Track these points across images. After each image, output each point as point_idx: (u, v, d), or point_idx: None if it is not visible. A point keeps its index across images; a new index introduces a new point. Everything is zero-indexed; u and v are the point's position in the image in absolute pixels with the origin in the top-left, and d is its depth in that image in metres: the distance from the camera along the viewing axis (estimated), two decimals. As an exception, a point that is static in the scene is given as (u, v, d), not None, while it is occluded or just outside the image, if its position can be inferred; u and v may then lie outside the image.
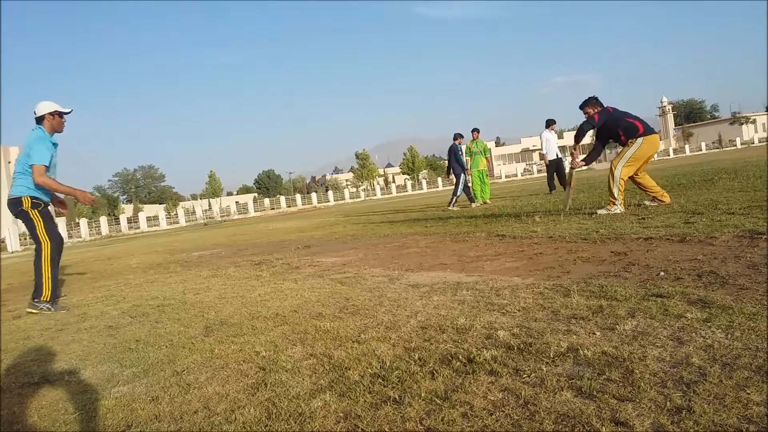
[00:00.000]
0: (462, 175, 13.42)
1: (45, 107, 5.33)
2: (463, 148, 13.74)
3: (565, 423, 1.64)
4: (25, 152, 5.25)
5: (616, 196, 7.01)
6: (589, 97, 7.53)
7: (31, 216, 5.29)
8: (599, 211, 7.03)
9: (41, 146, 5.18)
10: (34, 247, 5.31)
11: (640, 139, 7.05)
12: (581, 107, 7.54)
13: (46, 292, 5.10)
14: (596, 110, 7.35)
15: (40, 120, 5.34)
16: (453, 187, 13.87)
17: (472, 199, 13.56)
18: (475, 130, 14.27)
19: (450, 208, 13.20)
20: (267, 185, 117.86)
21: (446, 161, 14.40)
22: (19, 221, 5.30)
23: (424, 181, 74.34)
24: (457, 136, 13.52)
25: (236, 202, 65.80)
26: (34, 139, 5.22)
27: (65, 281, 7.73)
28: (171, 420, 2.09)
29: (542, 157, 14.90)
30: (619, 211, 6.90)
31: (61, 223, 44.22)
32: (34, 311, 5.07)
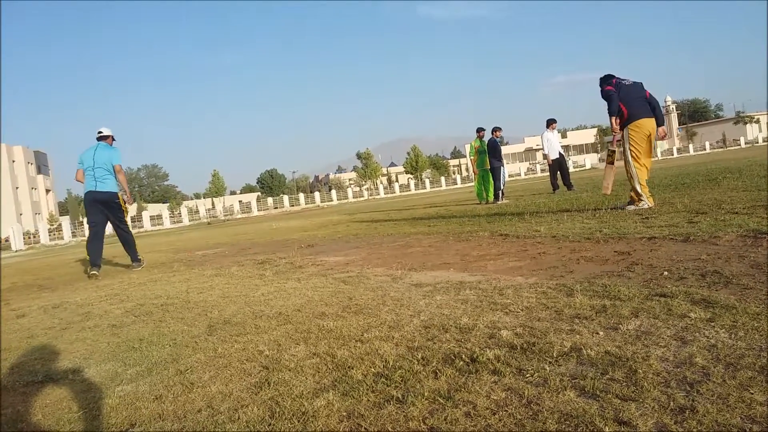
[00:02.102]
0: (501, 167, 13.60)
1: (108, 131, 7.90)
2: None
3: (568, 422, 1.64)
4: (107, 158, 7.57)
5: (639, 192, 6.98)
6: (606, 75, 7.47)
7: (125, 209, 7.78)
8: (628, 207, 7.00)
9: (119, 154, 7.73)
10: (118, 232, 7.89)
11: (625, 131, 7.11)
12: (601, 86, 7.49)
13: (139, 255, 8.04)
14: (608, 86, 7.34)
15: (104, 138, 7.80)
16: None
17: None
18: (481, 130, 14.32)
19: (499, 201, 13.18)
20: (270, 184, 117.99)
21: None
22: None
23: (427, 181, 74.32)
24: (496, 129, 13.73)
25: (239, 201, 65.82)
26: (112, 149, 7.73)
27: (69, 279, 7.76)
28: (174, 419, 2.09)
29: (545, 157, 14.88)
30: (647, 206, 6.87)
31: (65, 222, 44.36)
32: (139, 268, 7.77)
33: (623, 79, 7.33)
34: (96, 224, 7.61)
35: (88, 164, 7.55)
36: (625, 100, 7.11)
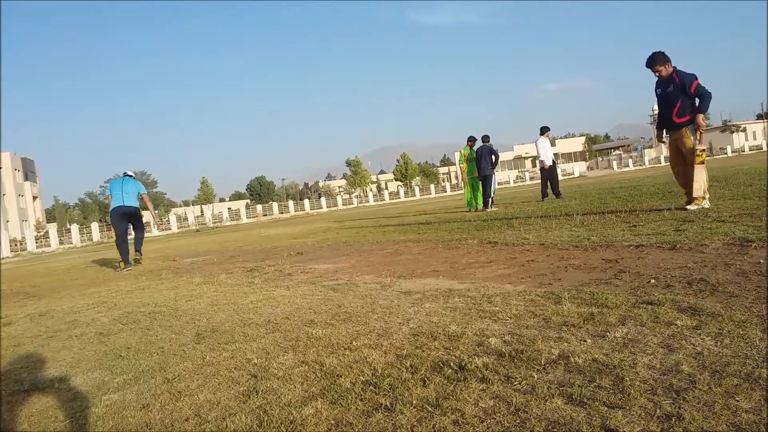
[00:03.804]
0: (493, 175, 13.63)
1: (132, 172, 10.58)
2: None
3: (555, 430, 1.65)
4: (136, 187, 10.06)
5: (706, 190, 6.84)
6: (661, 52, 7.01)
7: (141, 218, 10.39)
8: (689, 207, 6.76)
9: (142, 185, 10.43)
10: (137, 234, 10.57)
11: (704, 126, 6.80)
12: (650, 65, 7.04)
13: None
14: (670, 68, 6.93)
15: (130, 175, 10.36)
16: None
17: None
18: (472, 139, 14.39)
19: (488, 209, 13.16)
20: (259, 192, 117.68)
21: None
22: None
23: (417, 188, 74.37)
24: (487, 138, 13.80)
25: (228, 209, 65.54)
26: (137, 181, 10.35)
27: (56, 286, 7.70)
28: (162, 428, 2.08)
29: (542, 163, 14.93)
30: (707, 206, 6.72)
31: (52, 229, 44.04)
32: (140, 259, 10.27)
33: None
34: (123, 231, 9.87)
35: (116, 191, 9.96)
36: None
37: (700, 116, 6.75)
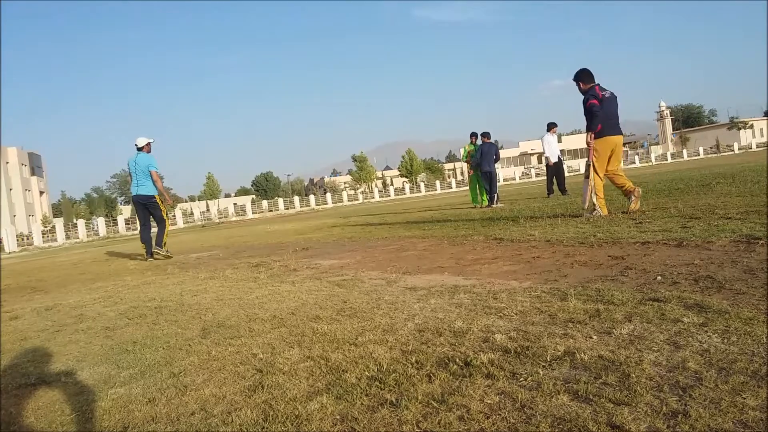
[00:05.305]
0: (496, 172, 13.67)
1: (144, 141, 9.60)
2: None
3: (561, 426, 1.65)
4: (145, 165, 9.40)
5: (595, 202, 7.26)
6: (582, 70, 7.51)
7: (162, 208, 9.79)
8: (587, 215, 7.28)
9: (155, 161, 9.61)
10: (157, 224, 9.84)
11: (592, 143, 7.31)
12: (576, 80, 7.56)
13: (166, 240, 9.85)
14: (590, 86, 7.38)
15: (141, 149, 9.55)
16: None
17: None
18: (474, 135, 14.36)
19: (494, 206, 13.13)
20: (265, 187, 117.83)
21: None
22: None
23: (422, 184, 74.28)
24: (486, 135, 13.79)
25: (234, 204, 65.57)
26: (150, 158, 9.55)
27: (62, 281, 7.73)
28: (168, 422, 2.08)
29: (547, 160, 14.89)
30: (600, 214, 7.13)
31: (59, 224, 44.23)
32: (161, 252, 9.55)
33: (604, 90, 7.37)
34: (142, 219, 9.87)
35: (131, 171, 9.65)
36: (602, 117, 7.24)
37: (588, 134, 7.34)
